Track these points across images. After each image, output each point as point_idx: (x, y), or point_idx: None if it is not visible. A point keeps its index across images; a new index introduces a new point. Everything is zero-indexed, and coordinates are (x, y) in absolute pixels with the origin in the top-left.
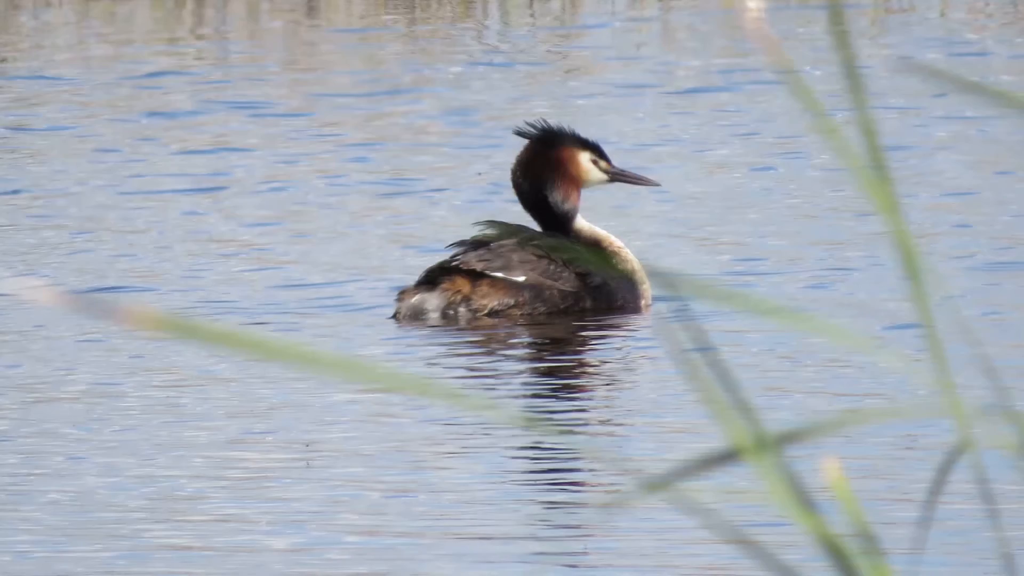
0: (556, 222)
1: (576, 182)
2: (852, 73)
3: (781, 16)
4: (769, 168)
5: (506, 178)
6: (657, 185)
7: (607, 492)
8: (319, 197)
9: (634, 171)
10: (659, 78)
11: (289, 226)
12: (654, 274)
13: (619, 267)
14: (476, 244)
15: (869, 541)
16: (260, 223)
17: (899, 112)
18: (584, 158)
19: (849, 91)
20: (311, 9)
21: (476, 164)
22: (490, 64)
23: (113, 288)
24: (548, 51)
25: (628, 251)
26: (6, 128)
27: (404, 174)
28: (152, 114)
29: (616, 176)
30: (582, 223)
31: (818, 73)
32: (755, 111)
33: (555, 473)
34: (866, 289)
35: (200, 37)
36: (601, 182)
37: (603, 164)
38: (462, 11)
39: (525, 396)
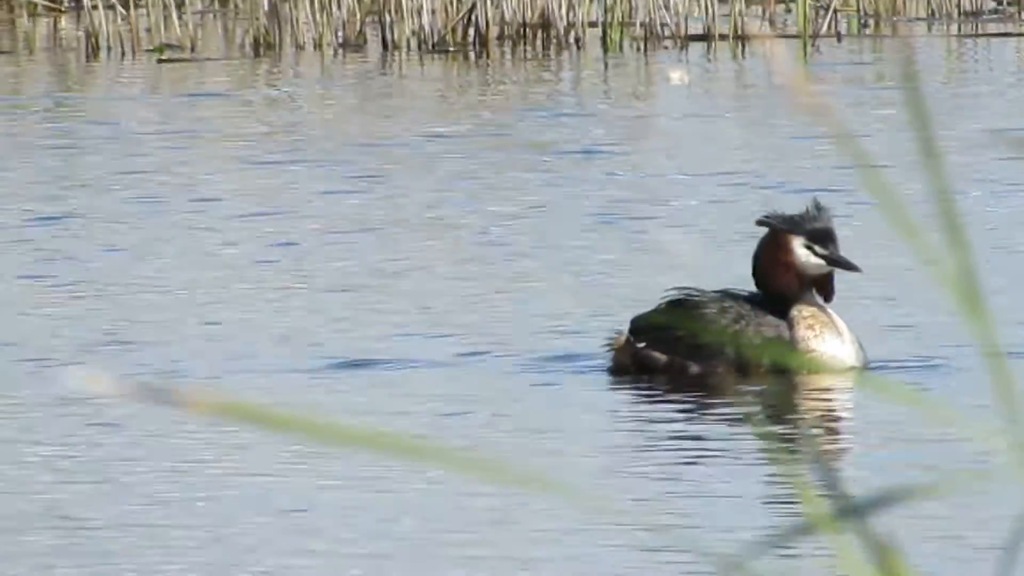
0: (777, 304)
1: (790, 268)
2: (932, 159)
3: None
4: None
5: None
6: (859, 271)
7: None
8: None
9: (846, 257)
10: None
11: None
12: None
13: (788, 361)
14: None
15: None
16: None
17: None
18: (797, 243)
19: (928, 174)
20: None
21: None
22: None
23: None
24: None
25: (827, 351)
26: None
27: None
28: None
29: (831, 262)
30: (804, 311)
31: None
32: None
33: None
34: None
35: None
36: (819, 269)
37: (819, 249)
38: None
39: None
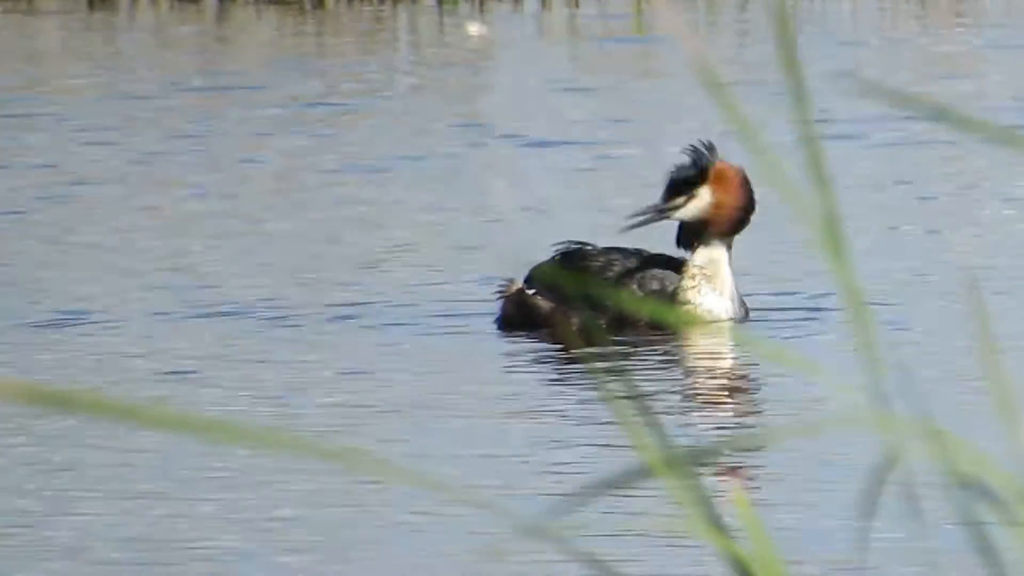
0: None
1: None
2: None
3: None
4: None
5: None
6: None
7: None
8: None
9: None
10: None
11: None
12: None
13: (661, 314)
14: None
15: (774, 563)
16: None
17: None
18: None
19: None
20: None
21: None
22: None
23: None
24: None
25: (707, 308)
26: None
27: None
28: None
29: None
30: (698, 259)
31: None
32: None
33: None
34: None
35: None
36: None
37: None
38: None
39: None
